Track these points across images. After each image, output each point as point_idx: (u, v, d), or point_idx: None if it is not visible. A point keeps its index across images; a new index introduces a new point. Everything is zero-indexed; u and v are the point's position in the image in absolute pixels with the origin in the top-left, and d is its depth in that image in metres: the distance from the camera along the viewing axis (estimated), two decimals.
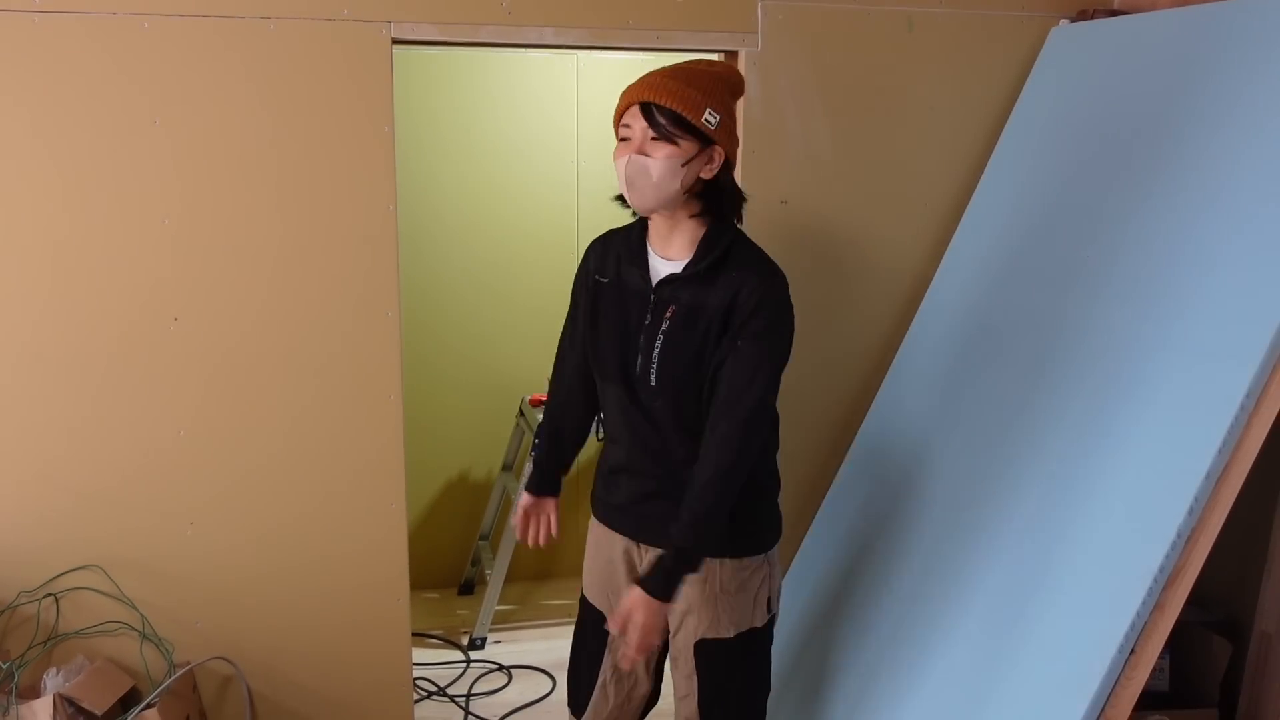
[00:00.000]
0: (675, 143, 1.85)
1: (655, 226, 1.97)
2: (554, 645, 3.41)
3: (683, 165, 1.86)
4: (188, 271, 2.38)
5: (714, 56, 2.68)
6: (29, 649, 2.39)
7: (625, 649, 1.91)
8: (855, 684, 2.39)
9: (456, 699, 3.16)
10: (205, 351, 2.42)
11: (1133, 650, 1.84)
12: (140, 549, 2.45)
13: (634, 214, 2.02)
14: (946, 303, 2.75)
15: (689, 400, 1.94)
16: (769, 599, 2.07)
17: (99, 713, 2.27)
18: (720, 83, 1.90)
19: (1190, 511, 1.84)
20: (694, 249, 1.94)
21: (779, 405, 2.09)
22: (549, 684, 3.23)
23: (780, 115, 2.68)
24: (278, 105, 2.37)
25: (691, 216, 1.94)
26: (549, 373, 3.42)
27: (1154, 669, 1.87)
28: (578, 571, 2.25)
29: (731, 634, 2.02)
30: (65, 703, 2.23)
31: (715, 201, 1.94)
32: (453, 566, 3.93)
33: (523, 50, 3.48)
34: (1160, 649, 1.85)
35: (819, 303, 2.78)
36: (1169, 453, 1.93)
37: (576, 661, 2.20)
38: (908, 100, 2.76)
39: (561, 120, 3.75)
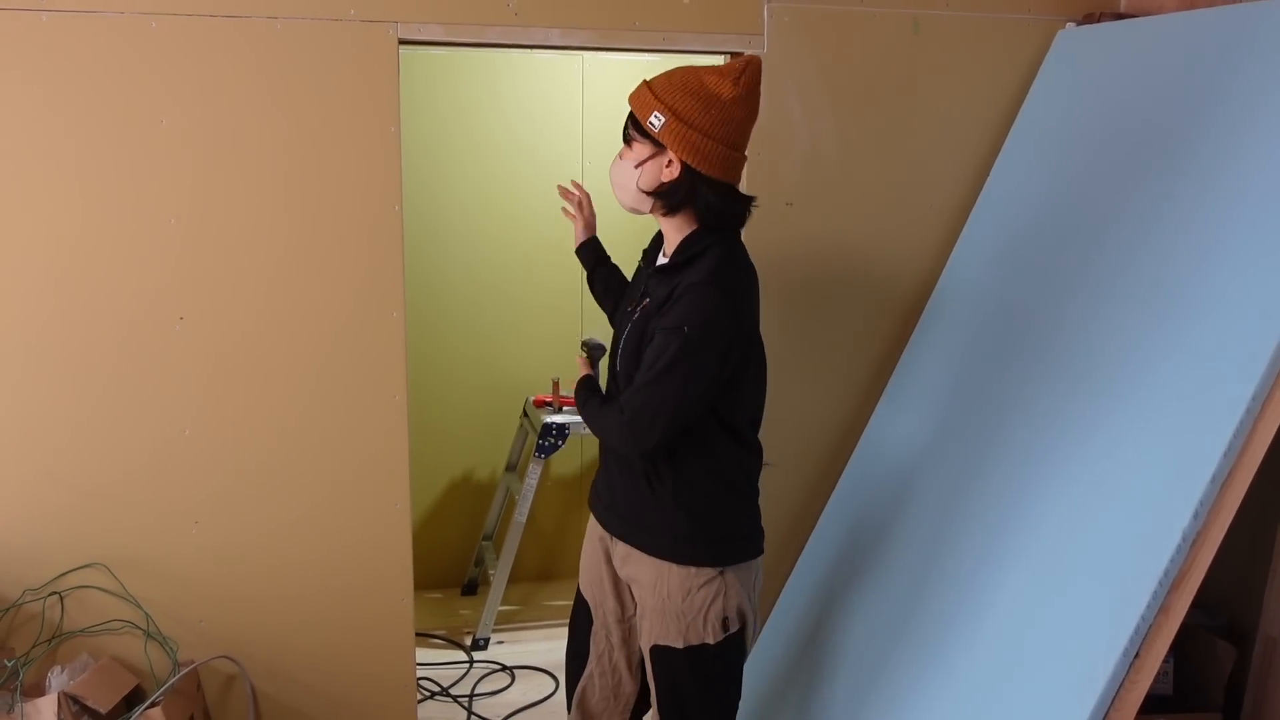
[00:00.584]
0: (630, 144, 1.95)
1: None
2: (557, 646, 3.39)
3: (635, 167, 1.93)
4: (194, 271, 2.38)
5: (720, 58, 2.69)
6: (34, 647, 2.39)
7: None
8: (857, 688, 2.39)
9: (459, 699, 3.16)
10: (211, 351, 2.42)
11: (1137, 654, 1.84)
12: (145, 547, 2.46)
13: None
14: (951, 305, 2.75)
15: None
16: (724, 618, 1.98)
17: (104, 711, 2.27)
18: (680, 87, 1.87)
19: (1195, 515, 1.84)
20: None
21: (771, 413, 2.10)
22: (552, 685, 3.24)
23: (786, 117, 2.68)
24: (284, 105, 2.37)
25: (665, 217, 1.97)
26: (553, 373, 3.43)
27: (1158, 672, 1.86)
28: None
29: (680, 645, 1.99)
30: (70, 700, 2.23)
31: (698, 209, 1.93)
32: (456, 566, 3.93)
33: (529, 51, 3.48)
34: (1165, 653, 1.85)
35: (823, 304, 2.78)
36: (1174, 456, 1.93)
37: (572, 646, 2.24)
38: (913, 102, 2.76)
39: (567, 121, 3.75)
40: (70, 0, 2.23)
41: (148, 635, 2.46)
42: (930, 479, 2.51)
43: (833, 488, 2.83)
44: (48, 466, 2.38)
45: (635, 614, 2.11)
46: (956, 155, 2.82)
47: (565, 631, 2.25)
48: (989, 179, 2.81)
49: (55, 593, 2.42)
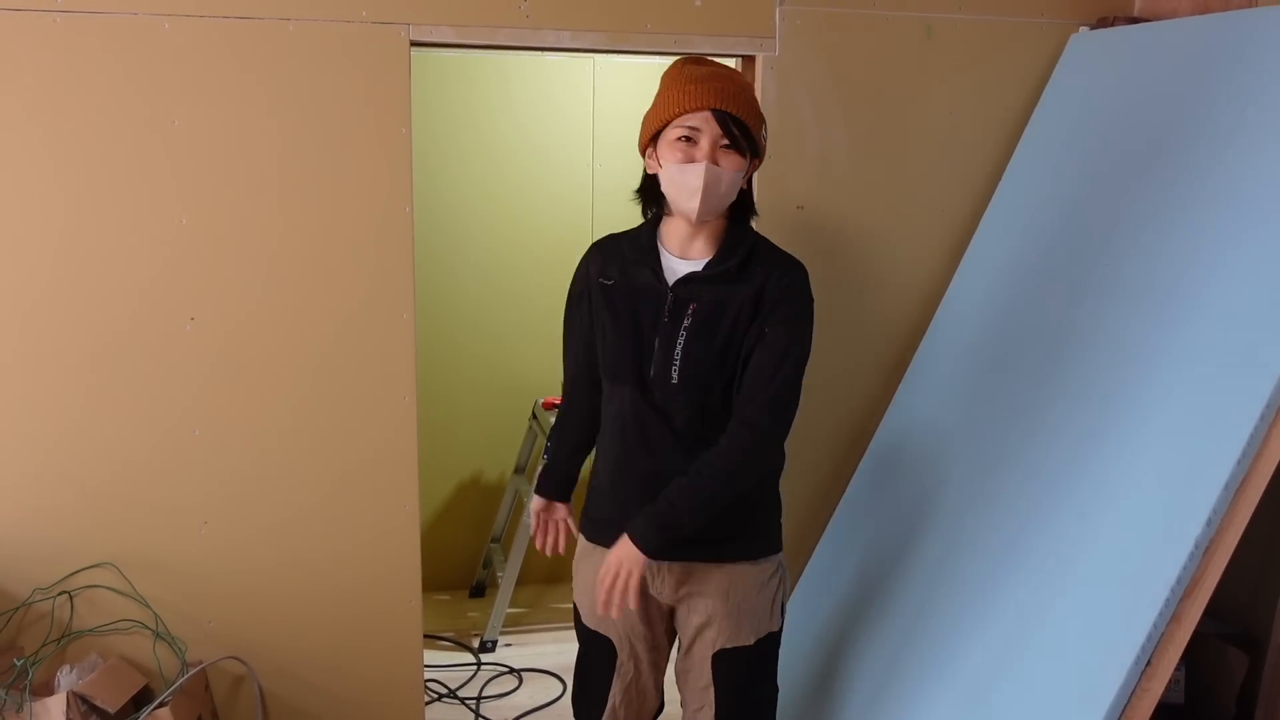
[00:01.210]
0: (743, 154, 1.89)
1: (678, 228, 1.97)
2: (565, 649, 3.40)
3: (742, 176, 1.92)
4: (204, 272, 2.39)
5: (731, 61, 2.68)
6: (43, 646, 2.40)
7: (601, 600, 1.87)
8: (867, 692, 2.38)
9: (467, 701, 3.16)
10: (220, 351, 2.43)
11: (1149, 662, 1.83)
12: (154, 547, 2.46)
13: (648, 214, 2.04)
14: (962, 310, 2.74)
15: (712, 398, 1.94)
16: (782, 602, 2.08)
17: (112, 710, 2.27)
18: (749, 92, 1.92)
19: (1208, 522, 1.83)
20: (714, 248, 1.96)
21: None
22: (559, 687, 3.23)
23: (797, 120, 2.67)
24: (296, 106, 2.37)
25: (716, 218, 1.97)
26: (562, 376, 3.42)
27: (1170, 681, 1.85)
28: None
29: (752, 641, 2.01)
30: (79, 700, 2.23)
31: (739, 206, 1.97)
32: (464, 568, 3.93)
33: (540, 53, 3.48)
34: (1176, 661, 1.83)
35: (834, 308, 2.76)
36: (1187, 463, 1.92)
37: (584, 687, 2.16)
38: (925, 106, 2.75)
39: (578, 123, 3.75)
40: (83, 1, 2.23)
41: (156, 635, 2.46)
42: (942, 483, 2.50)
43: (843, 492, 2.82)
44: (58, 466, 2.39)
45: (662, 635, 2.09)
46: (969, 159, 2.81)
47: (574, 634, 2.20)
48: (1001, 182, 2.80)
49: (65, 592, 2.42)
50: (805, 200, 2.71)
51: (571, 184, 3.78)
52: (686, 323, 1.93)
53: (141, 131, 2.31)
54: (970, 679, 2.13)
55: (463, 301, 3.76)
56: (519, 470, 3.76)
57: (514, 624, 3.64)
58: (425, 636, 2.75)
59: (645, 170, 2.00)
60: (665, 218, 2.00)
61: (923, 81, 2.74)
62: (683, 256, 1.97)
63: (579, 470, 2.26)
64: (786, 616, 2.13)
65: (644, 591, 2.01)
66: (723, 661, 2.02)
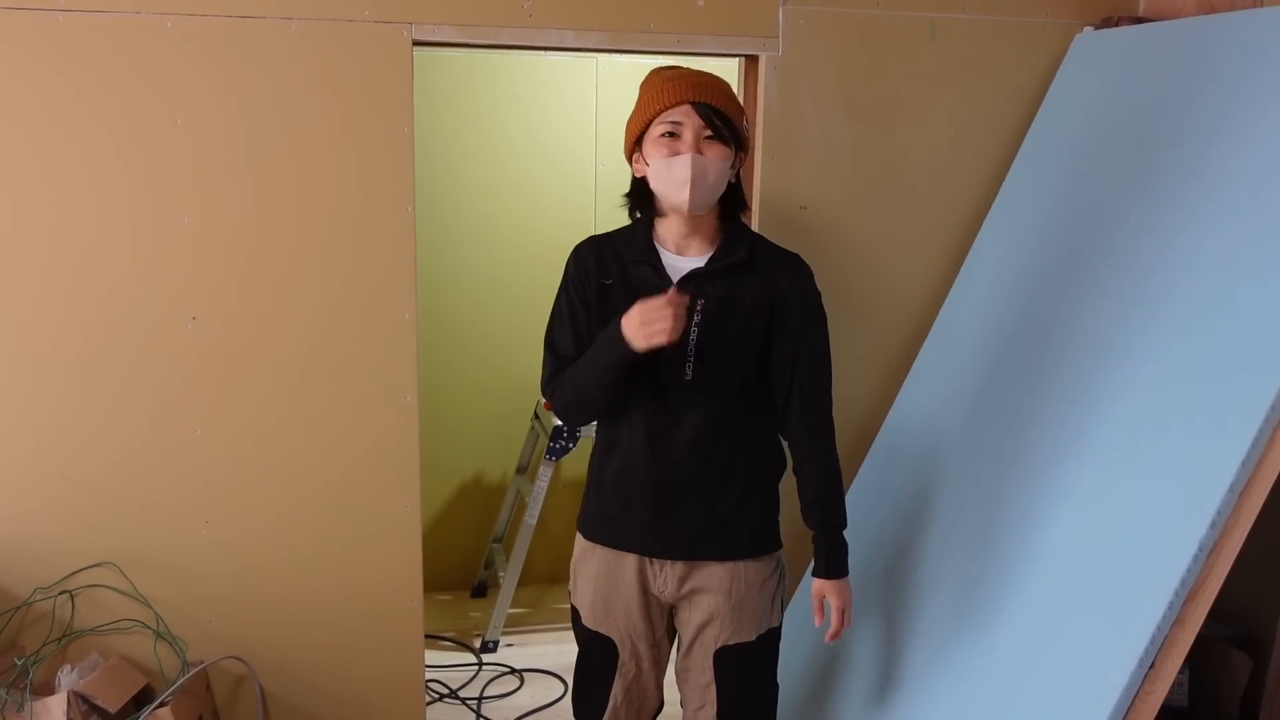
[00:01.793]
0: (728, 144, 1.91)
1: (673, 226, 1.97)
2: (566, 649, 3.38)
3: (729, 167, 1.94)
4: (207, 271, 2.39)
5: (735, 61, 2.69)
6: (44, 645, 2.40)
7: (839, 629, 2.07)
8: (869, 693, 2.38)
9: (468, 702, 3.16)
10: (223, 351, 2.42)
11: (1152, 664, 1.82)
12: (155, 547, 2.46)
13: (635, 215, 2.04)
14: (965, 310, 2.73)
15: (728, 396, 1.96)
16: (782, 600, 2.11)
17: (113, 710, 2.27)
18: (728, 88, 1.97)
19: (1213, 525, 1.82)
20: (713, 245, 1.98)
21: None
22: (561, 688, 3.23)
23: (800, 120, 2.66)
24: (299, 106, 2.37)
25: (709, 214, 1.98)
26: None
27: (1173, 683, 1.84)
28: None
29: (754, 637, 2.02)
30: (79, 699, 2.23)
31: (730, 202, 2.00)
32: (466, 569, 3.93)
33: (543, 53, 3.48)
34: (1180, 663, 1.83)
35: (837, 308, 2.73)
36: (1192, 465, 1.91)
37: (584, 688, 2.15)
38: (929, 106, 2.75)
39: (580, 123, 3.75)
40: (86, 0, 2.23)
41: (157, 635, 2.46)
42: (944, 485, 2.50)
43: (844, 492, 2.80)
44: (59, 466, 2.39)
45: (663, 633, 2.09)
46: (972, 159, 2.80)
47: (574, 634, 2.20)
48: (1005, 183, 2.79)
49: (66, 591, 2.42)
50: (808, 200, 2.71)
51: (574, 184, 3.78)
52: (697, 319, 1.92)
53: (143, 131, 2.31)
54: (973, 681, 2.13)
55: (465, 301, 3.76)
56: (521, 470, 3.75)
57: (515, 624, 3.64)
58: (426, 637, 2.75)
59: (633, 175, 2.01)
60: (658, 219, 2.01)
61: (926, 82, 2.73)
62: (680, 253, 1.98)
63: None
64: (786, 616, 2.14)
65: (645, 590, 2.04)
66: (725, 658, 2.02)
